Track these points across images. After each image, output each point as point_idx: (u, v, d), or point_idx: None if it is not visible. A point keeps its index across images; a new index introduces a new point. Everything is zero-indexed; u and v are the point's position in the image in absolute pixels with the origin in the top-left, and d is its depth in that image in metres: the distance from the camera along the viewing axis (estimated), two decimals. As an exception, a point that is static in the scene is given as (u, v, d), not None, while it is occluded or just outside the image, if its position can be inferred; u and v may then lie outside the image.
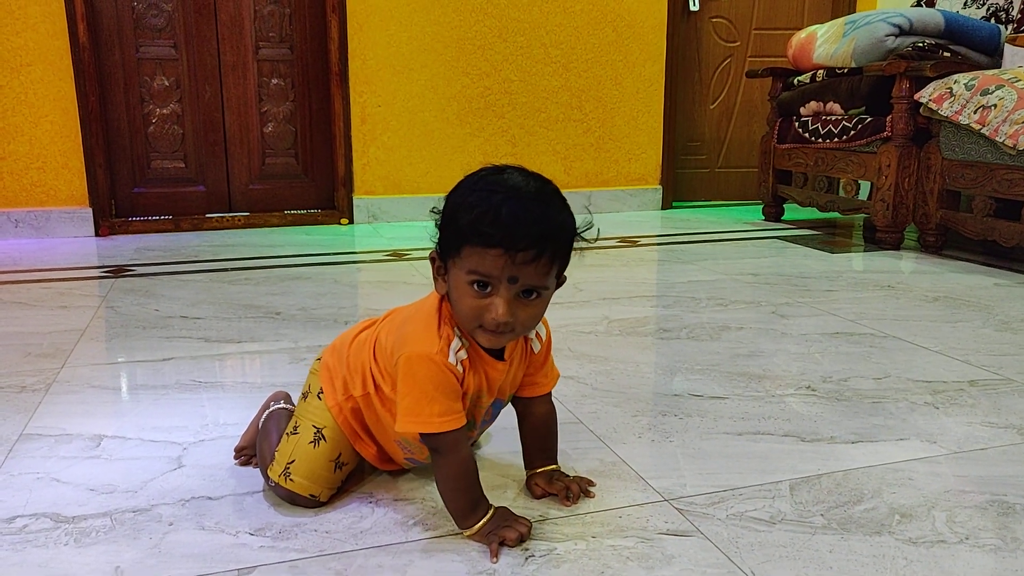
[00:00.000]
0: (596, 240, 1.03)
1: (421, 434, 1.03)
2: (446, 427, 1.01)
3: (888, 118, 3.04)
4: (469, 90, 3.84)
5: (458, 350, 1.02)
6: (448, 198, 1.00)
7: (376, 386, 1.10)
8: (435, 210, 1.01)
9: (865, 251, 3.16)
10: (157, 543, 1.04)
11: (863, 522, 1.09)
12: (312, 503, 1.12)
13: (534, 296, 0.98)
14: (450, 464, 1.03)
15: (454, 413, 1.02)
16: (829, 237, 3.46)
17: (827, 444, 1.35)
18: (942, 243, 3.03)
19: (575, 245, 1.02)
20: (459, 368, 1.02)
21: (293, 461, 1.12)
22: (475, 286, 0.96)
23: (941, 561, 1.00)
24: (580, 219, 1.02)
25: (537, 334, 1.13)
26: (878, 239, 3.14)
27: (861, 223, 3.83)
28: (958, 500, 1.15)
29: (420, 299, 1.11)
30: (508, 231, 0.92)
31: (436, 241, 1.01)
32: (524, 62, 3.89)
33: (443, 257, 1.01)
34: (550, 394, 1.19)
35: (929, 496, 1.17)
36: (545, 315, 1.07)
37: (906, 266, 2.83)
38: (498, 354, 1.07)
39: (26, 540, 1.05)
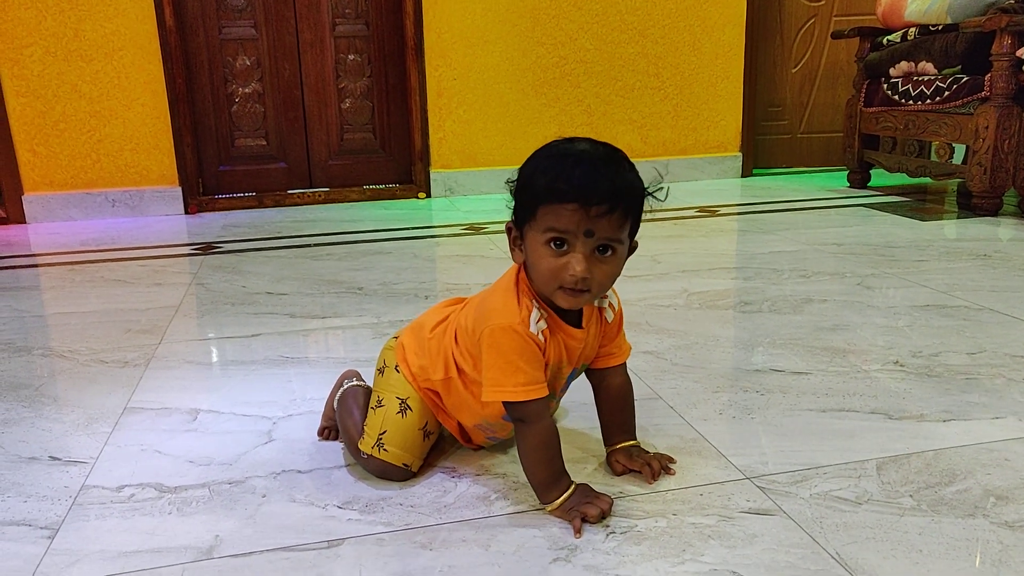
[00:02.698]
0: (666, 199, 1.05)
1: (505, 404, 1.06)
2: (530, 395, 1.03)
3: (987, 77, 2.88)
4: (544, 60, 3.81)
5: (538, 320, 1.05)
6: (521, 169, 1.03)
7: (459, 369, 1.13)
8: (510, 181, 1.04)
9: (959, 218, 3.02)
10: (252, 514, 1.09)
11: (955, 504, 1.06)
12: (403, 474, 1.16)
13: (609, 253, 1.00)
14: (534, 433, 1.06)
15: (538, 383, 1.04)
16: (919, 204, 3.32)
17: (916, 422, 1.31)
18: (1044, 208, 2.88)
19: (647, 205, 1.04)
20: (540, 338, 1.04)
21: (385, 432, 1.15)
22: (552, 244, 0.99)
23: (1039, 546, 0.97)
24: (650, 180, 1.04)
25: (610, 304, 1.15)
26: (974, 205, 2.99)
27: (955, 189, 3.66)
28: (1058, 483, 1.11)
29: (495, 281, 1.13)
30: (582, 186, 0.95)
31: (512, 211, 1.05)
32: (600, 30, 3.83)
33: (519, 224, 1.04)
34: (625, 366, 1.20)
35: (1026, 478, 1.12)
36: (619, 289, 1.11)
37: (1005, 233, 2.70)
38: (576, 323, 1.09)
39: (134, 508, 1.12)
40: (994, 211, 2.96)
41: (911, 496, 1.08)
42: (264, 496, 1.14)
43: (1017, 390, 1.42)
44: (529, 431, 1.06)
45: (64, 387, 1.58)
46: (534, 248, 1.01)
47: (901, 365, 1.55)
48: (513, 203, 1.04)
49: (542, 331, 1.05)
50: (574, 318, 1.10)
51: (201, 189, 3.66)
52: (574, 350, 1.11)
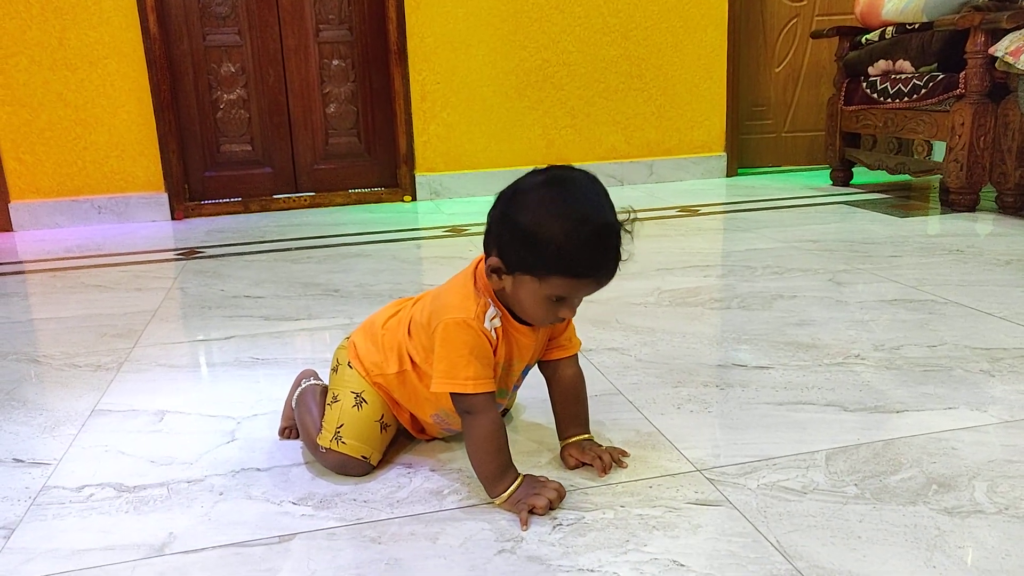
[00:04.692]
0: (633, 221, 1.03)
1: (453, 396, 1.08)
2: (478, 389, 1.06)
3: (962, 74, 2.89)
4: (527, 63, 3.83)
5: (492, 317, 1.07)
6: (520, 214, 1.00)
7: (413, 362, 1.15)
8: (504, 222, 1.02)
9: (938, 214, 3.04)
10: (208, 511, 1.11)
11: (898, 492, 1.08)
12: (363, 467, 1.17)
13: None
14: (481, 424, 1.08)
15: (485, 377, 1.07)
16: (901, 201, 3.33)
17: (870, 414, 1.32)
18: (1021, 204, 2.89)
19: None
20: (493, 335, 1.07)
21: (342, 425, 1.17)
22: (553, 299, 1.03)
23: (975, 531, 0.98)
24: (623, 207, 1.03)
25: None
26: (952, 201, 3.01)
27: (937, 185, 3.67)
28: (1002, 470, 1.12)
29: (452, 277, 1.15)
30: (602, 269, 1.00)
31: (498, 243, 1.02)
32: (582, 32, 3.85)
33: (512, 268, 1.02)
34: (576, 358, 1.22)
35: (971, 466, 1.14)
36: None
37: (981, 228, 2.71)
38: (526, 321, 1.12)
39: (91, 508, 1.13)
40: (972, 207, 2.98)
41: (856, 485, 1.10)
42: (221, 494, 1.15)
43: (973, 381, 1.44)
44: (475, 422, 1.08)
45: (35, 391, 1.59)
46: (530, 295, 1.03)
47: (862, 359, 1.56)
48: (502, 236, 1.02)
49: (495, 328, 1.08)
50: None
51: (187, 195, 3.68)
52: (526, 347, 1.13)
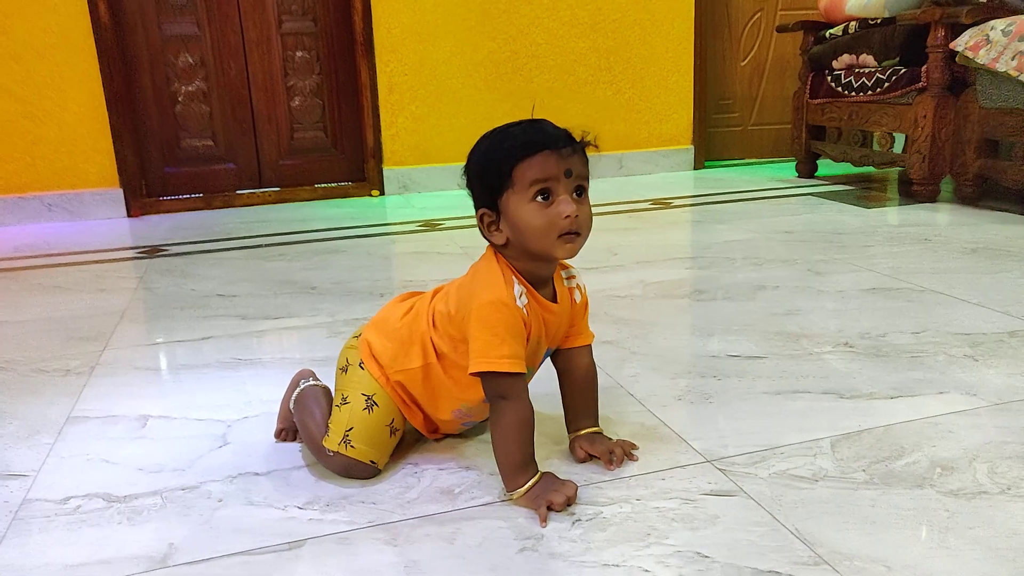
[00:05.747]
0: (593, 142, 1.09)
1: (486, 380, 1.06)
2: (513, 368, 1.04)
3: (923, 68, 2.95)
4: (496, 55, 3.80)
5: (521, 295, 1.07)
6: (473, 157, 1.08)
7: (439, 354, 1.12)
8: (464, 175, 1.09)
9: (901, 205, 3.10)
10: (208, 519, 1.06)
11: (904, 476, 1.09)
12: (370, 471, 1.14)
13: (583, 194, 1.06)
14: (514, 410, 1.06)
15: (519, 357, 1.05)
16: (864, 192, 3.39)
17: (866, 400, 1.34)
18: (980, 194, 2.96)
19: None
20: (524, 312, 1.06)
21: (352, 428, 1.13)
22: (539, 198, 1.02)
23: (982, 512, 0.99)
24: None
25: (578, 286, 1.18)
26: (914, 192, 3.07)
27: (897, 177, 3.76)
28: (999, 451, 1.14)
29: (471, 268, 1.14)
30: (544, 136, 1.02)
31: (477, 200, 1.08)
32: (551, 24, 3.83)
33: (492, 204, 1.06)
34: (590, 349, 1.21)
35: (970, 448, 1.16)
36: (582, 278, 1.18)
37: (943, 218, 2.77)
38: (551, 299, 1.12)
39: (80, 520, 1.08)
40: (933, 197, 3.04)
41: (863, 471, 1.11)
42: (220, 500, 1.11)
43: (958, 366, 1.46)
44: (508, 408, 1.06)
45: (2, 399, 1.52)
46: (521, 212, 1.03)
47: (851, 346, 1.58)
48: (476, 192, 1.08)
49: (524, 306, 1.07)
50: (549, 295, 1.12)
51: (144, 191, 3.57)
52: (551, 324, 1.13)
